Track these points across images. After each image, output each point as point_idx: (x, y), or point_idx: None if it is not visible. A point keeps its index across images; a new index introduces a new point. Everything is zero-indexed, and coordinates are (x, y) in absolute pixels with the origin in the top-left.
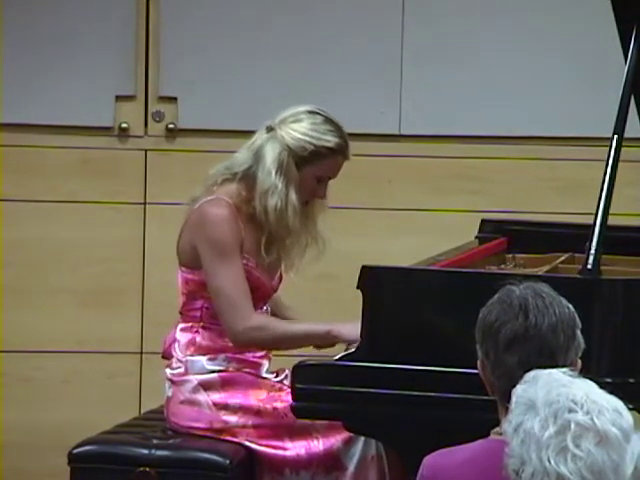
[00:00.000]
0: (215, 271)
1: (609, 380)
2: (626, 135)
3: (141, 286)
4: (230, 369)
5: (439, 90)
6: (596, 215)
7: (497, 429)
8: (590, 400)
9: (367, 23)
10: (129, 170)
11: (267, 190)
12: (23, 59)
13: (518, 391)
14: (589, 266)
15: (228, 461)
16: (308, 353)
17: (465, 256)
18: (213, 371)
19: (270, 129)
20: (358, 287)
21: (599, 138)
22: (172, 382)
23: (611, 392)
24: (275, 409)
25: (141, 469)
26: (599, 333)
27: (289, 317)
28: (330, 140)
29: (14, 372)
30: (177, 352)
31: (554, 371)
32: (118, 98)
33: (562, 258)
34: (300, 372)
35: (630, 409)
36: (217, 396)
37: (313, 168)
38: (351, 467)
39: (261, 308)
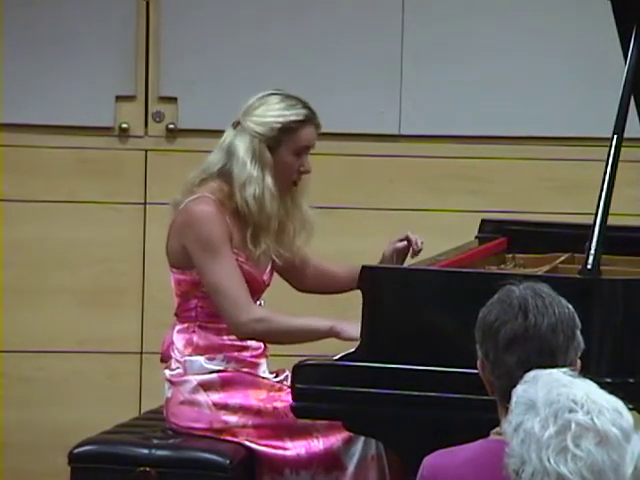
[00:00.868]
0: (209, 268)
1: (609, 380)
2: (626, 135)
3: (141, 286)
4: (229, 369)
5: (439, 90)
6: (596, 215)
7: (497, 429)
8: (590, 400)
9: (367, 23)
10: (129, 170)
11: (244, 181)
12: (23, 59)
13: (518, 391)
14: (589, 266)
15: (228, 461)
16: (308, 353)
17: (465, 256)
18: (212, 371)
19: (236, 124)
20: (358, 287)
21: (599, 138)
22: (171, 383)
23: (611, 392)
24: (275, 409)
25: (141, 469)
26: (599, 333)
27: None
28: (295, 112)
29: (14, 372)
30: (175, 353)
31: (554, 371)
32: (118, 98)
33: (562, 258)
34: (300, 372)
35: (630, 409)
36: (217, 396)
37: (288, 145)
38: (351, 467)
39: (255, 303)
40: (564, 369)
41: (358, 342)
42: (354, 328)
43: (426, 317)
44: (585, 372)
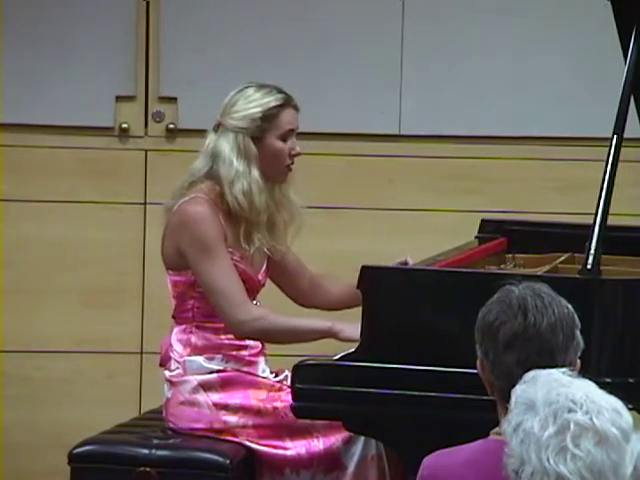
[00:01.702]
0: (205, 269)
1: (609, 380)
2: (626, 135)
3: (141, 286)
4: (228, 368)
5: (439, 90)
6: (596, 215)
7: (497, 429)
8: (589, 400)
9: (367, 24)
10: (129, 170)
11: (232, 179)
12: (23, 59)
13: (517, 391)
14: (589, 266)
15: (228, 461)
16: (308, 353)
17: (465, 256)
18: (212, 371)
19: (217, 126)
20: (358, 287)
21: (599, 138)
22: (171, 383)
23: (611, 392)
24: (275, 409)
25: (141, 469)
26: (599, 333)
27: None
28: (273, 98)
29: (14, 372)
30: (174, 354)
31: (553, 371)
32: (118, 98)
33: (562, 258)
34: (300, 372)
35: (630, 409)
36: (217, 396)
37: (272, 131)
38: (351, 467)
39: (251, 302)
40: (563, 369)
41: (357, 342)
42: (352, 328)
43: (426, 317)
44: (584, 372)
